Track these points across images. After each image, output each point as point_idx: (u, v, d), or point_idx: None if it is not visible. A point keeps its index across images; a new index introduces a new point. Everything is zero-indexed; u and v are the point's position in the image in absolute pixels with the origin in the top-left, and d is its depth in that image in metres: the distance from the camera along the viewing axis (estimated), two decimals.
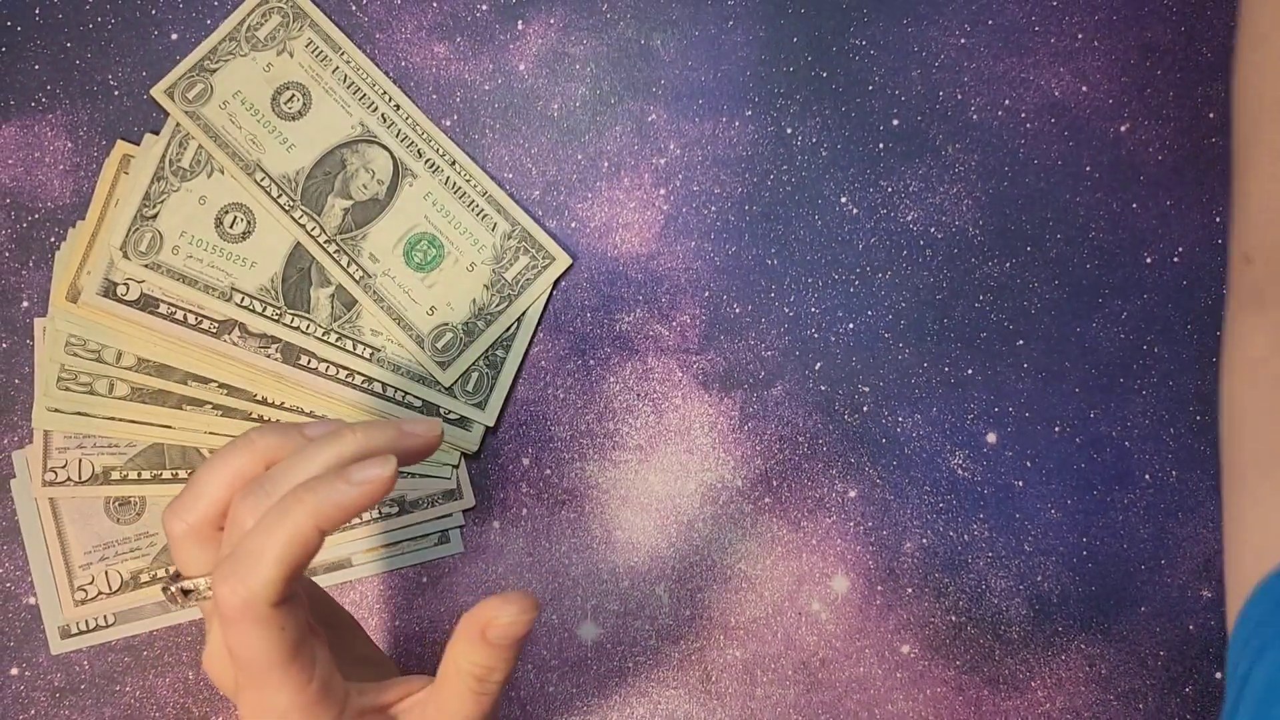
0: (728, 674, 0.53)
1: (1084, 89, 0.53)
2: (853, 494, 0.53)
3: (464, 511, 0.53)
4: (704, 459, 0.53)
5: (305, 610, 0.36)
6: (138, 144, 0.53)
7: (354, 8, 0.53)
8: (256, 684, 0.35)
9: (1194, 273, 0.53)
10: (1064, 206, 0.53)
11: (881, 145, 0.53)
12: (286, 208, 0.52)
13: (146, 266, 0.51)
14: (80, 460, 0.52)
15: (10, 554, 0.53)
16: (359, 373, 0.52)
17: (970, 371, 0.53)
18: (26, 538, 0.52)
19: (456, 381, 0.52)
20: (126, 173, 0.52)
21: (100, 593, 0.52)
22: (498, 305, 0.52)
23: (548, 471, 0.53)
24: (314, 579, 0.52)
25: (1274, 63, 0.37)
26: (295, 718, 0.36)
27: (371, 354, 0.52)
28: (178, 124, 0.52)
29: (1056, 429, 0.53)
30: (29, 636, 0.52)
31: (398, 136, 0.52)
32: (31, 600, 0.52)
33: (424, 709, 0.38)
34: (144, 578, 0.52)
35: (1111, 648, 0.53)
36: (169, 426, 0.52)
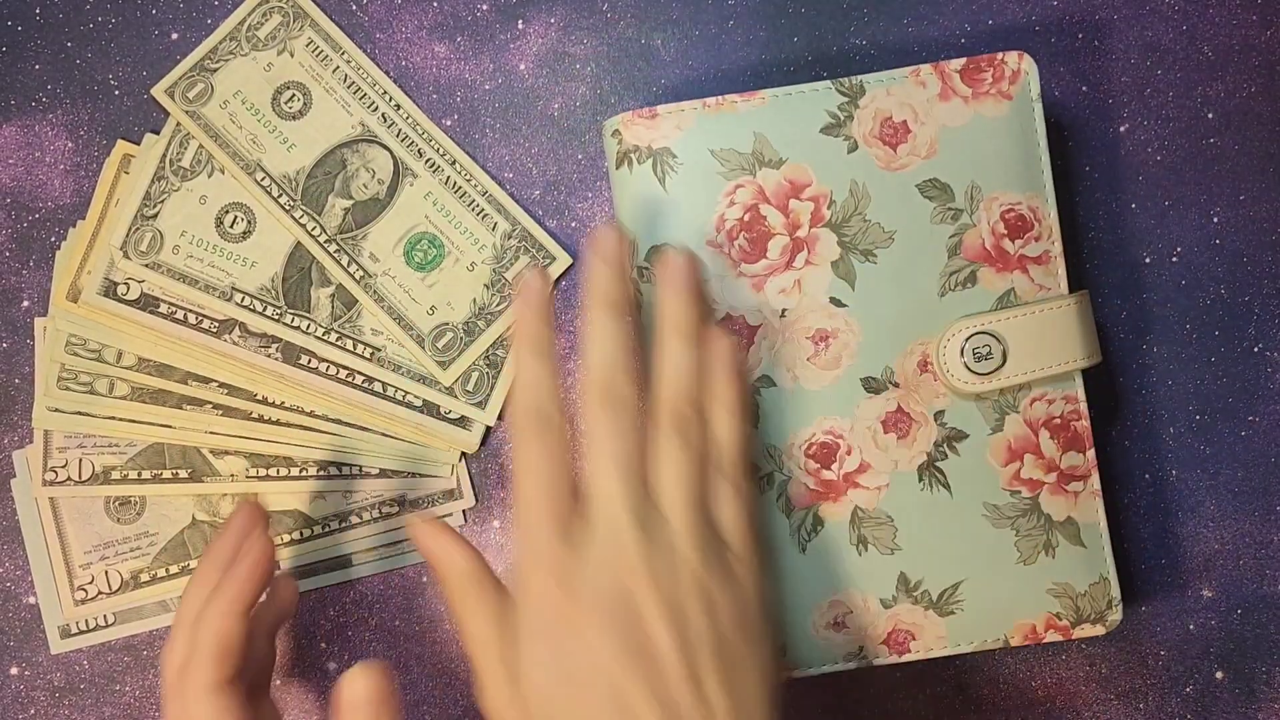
0: None
1: (1084, 89, 0.53)
2: None
3: (464, 511, 0.53)
4: None
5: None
6: (138, 144, 0.53)
7: (354, 7, 0.53)
8: None
9: (1193, 273, 0.53)
10: (1064, 206, 0.53)
11: None
12: (287, 207, 0.52)
13: (147, 266, 0.51)
14: (80, 460, 0.52)
15: (10, 554, 0.53)
16: (359, 372, 0.52)
17: None
18: (26, 537, 0.52)
19: (457, 381, 0.52)
20: (127, 172, 0.52)
21: (100, 592, 0.52)
22: (498, 305, 0.52)
23: None
24: (315, 578, 0.52)
25: None
26: None
27: (372, 354, 0.52)
28: (178, 124, 0.52)
29: None
30: (29, 636, 0.52)
31: (398, 136, 0.52)
32: (31, 600, 0.52)
33: None
34: (144, 577, 0.52)
35: (1111, 648, 0.53)
36: (169, 426, 0.52)
